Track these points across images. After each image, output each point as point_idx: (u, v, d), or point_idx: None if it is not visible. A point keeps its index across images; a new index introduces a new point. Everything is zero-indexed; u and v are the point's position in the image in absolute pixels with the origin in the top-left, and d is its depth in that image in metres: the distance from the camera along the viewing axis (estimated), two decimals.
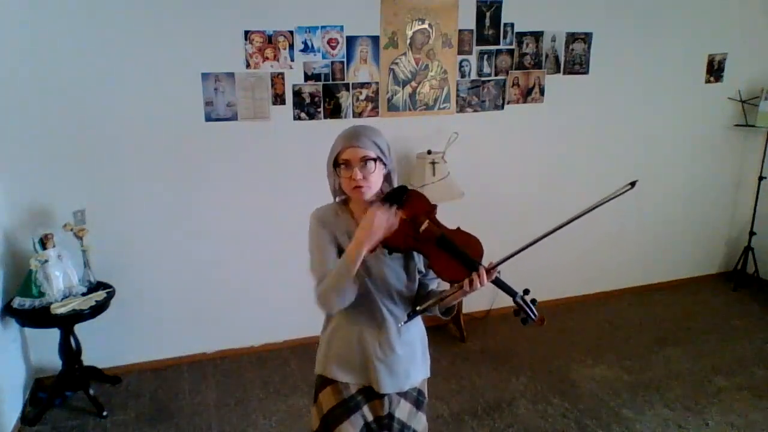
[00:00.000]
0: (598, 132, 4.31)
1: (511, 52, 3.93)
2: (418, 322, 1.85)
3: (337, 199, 1.77)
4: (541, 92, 4.08)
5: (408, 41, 3.69)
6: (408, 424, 1.82)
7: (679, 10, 4.26)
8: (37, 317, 2.95)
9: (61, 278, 3.05)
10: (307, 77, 3.53)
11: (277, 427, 3.05)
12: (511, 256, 1.60)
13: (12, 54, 3.00)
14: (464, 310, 4.00)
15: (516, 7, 3.83)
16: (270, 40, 3.41)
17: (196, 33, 3.29)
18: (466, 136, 3.80)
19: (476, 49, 3.84)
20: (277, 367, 3.63)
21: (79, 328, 3.17)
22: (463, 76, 3.87)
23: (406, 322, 1.70)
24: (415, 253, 1.71)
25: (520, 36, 3.92)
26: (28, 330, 3.23)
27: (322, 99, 3.58)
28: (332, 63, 3.55)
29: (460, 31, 3.78)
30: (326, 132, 3.52)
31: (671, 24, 4.27)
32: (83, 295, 3.11)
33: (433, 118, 3.86)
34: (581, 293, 4.59)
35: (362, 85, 3.65)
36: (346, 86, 3.61)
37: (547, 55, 4.02)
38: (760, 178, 4.61)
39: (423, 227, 1.62)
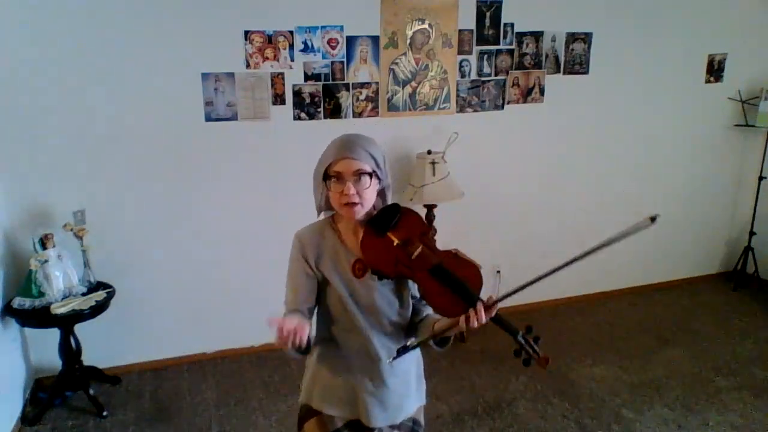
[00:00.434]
0: (598, 132, 4.31)
1: (511, 52, 3.93)
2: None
3: (323, 215, 1.61)
4: (541, 92, 4.08)
5: (408, 41, 3.69)
6: None
7: (679, 10, 4.26)
8: (37, 317, 2.95)
9: (61, 278, 3.05)
10: (307, 77, 3.53)
11: (277, 427, 3.05)
12: (515, 291, 1.41)
13: (12, 54, 3.00)
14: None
15: (516, 7, 3.83)
16: (270, 40, 3.41)
17: (196, 33, 3.29)
18: (466, 136, 3.80)
19: (476, 49, 3.84)
20: (277, 367, 3.63)
21: (79, 328, 3.17)
22: (463, 76, 3.87)
23: (395, 359, 1.52)
24: (416, 284, 1.56)
25: (520, 36, 3.92)
26: (28, 330, 3.23)
27: (322, 99, 3.58)
28: (332, 63, 3.55)
29: (460, 31, 3.78)
30: (326, 132, 3.52)
31: (671, 24, 4.27)
32: (83, 295, 3.11)
33: (433, 118, 3.86)
34: (581, 293, 4.59)
35: (362, 85, 3.65)
36: (346, 86, 3.61)
37: (547, 55, 4.02)
38: (760, 178, 4.61)
39: (416, 253, 1.47)
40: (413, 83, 3.77)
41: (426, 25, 3.70)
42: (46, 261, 3.00)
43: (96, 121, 3.21)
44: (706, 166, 4.74)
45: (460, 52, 3.82)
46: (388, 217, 1.50)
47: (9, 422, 2.95)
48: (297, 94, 3.54)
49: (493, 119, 4.01)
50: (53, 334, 3.11)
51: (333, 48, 3.54)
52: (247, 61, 3.40)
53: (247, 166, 3.53)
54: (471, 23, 3.79)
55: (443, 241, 3.92)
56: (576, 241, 4.38)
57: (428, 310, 1.62)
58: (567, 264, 1.46)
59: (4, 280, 3.07)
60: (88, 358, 3.30)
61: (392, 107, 3.76)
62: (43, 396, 3.18)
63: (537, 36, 3.96)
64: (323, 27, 3.49)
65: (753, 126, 4.53)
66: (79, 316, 2.99)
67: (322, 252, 1.56)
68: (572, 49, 4.07)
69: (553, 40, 4.00)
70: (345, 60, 3.57)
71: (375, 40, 3.61)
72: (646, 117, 4.41)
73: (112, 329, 3.40)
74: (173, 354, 3.66)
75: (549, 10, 3.94)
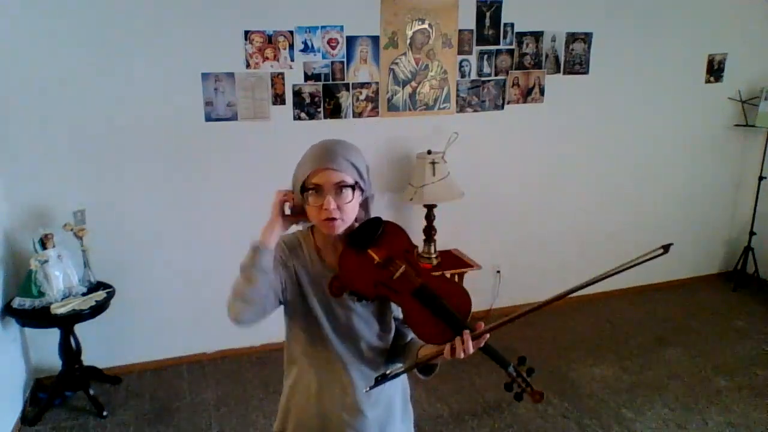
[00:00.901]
0: (598, 132, 4.31)
1: (511, 52, 3.93)
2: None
3: (302, 226, 1.46)
4: (541, 92, 4.08)
5: (408, 41, 3.69)
6: None
7: (679, 10, 4.26)
8: (37, 317, 2.95)
9: (61, 278, 3.05)
10: (307, 77, 3.53)
11: None
12: (507, 322, 1.30)
13: (11, 54, 3.00)
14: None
15: (516, 7, 3.83)
16: (270, 40, 3.41)
17: (196, 33, 3.29)
18: (466, 136, 3.79)
19: (476, 49, 3.84)
20: (277, 367, 3.60)
21: (79, 328, 3.17)
22: (463, 76, 3.87)
23: (372, 387, 1.37)
24: (398, 307, 1.42)
25: (520, 36, 3.92)
26: (28, 330, 3.23)
27: (322, 99, 3.58)
28: (332, 63, 3.55)
29: (460, 31, 3.78)
30: (326, 132, 3.52)
31: (671, 24, 4.27)
32: (83, 295, 3.11)
33: (433, 118, 3.86)
34: (581, 293, 4.57)
35: (362, 85, 3.65)
36: (346, 86, 3.61)
37: (547, 55, 4.02)
38: (760, 178, 4.61)
39: (398, 273, 1.33)
40: (413, 83, 3.77)
41: (426, 25, 3.70)
42: (46, 261, 2.99)
43: (96, 121, 3.21)
44: (706, 166, 4.74)
45: (460, 52, 3.82)
46: (369, 233, 1.36)
47: (9, 422, 2.95)
48: (297, 94, 3.54)
49: (493, 119, 4.01)
50: (53, 334, 3.11)
51: (333, 48, 3.54)
52: (247, 61, 3.40)
53: (247, 166, 3.53)
54: (471, 23, 3.79)
55: (443, 241, 3.95)
56: (576, 241, 4.39)
57: (412, 333, 1.45)
58: (569, 292, 1.35)
59: (4, 280, 3.07)
60: (88, 358, 3.30)
61: (392, 107, 3.76)
62: (43, 396, 3.18)
63: (537, 36, 3.96)
64: (323, 27, 3.49)
65: (753, 126, 4.53)
66: (79, 316, 2.99)
67: (298, 261, 1.41)
68: (572, 49, 4.07)
69: (553, 40, 4.00)
70: (345, 60, 3.57)
71: (375, 40, 3.61)
72: (646, 117, 4.41)
73: (112, 329, 3.40)
74: (173, 354, 3.66)
75: (549, 10, 3.94)
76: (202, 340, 3.70)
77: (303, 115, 3.57)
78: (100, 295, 3.14)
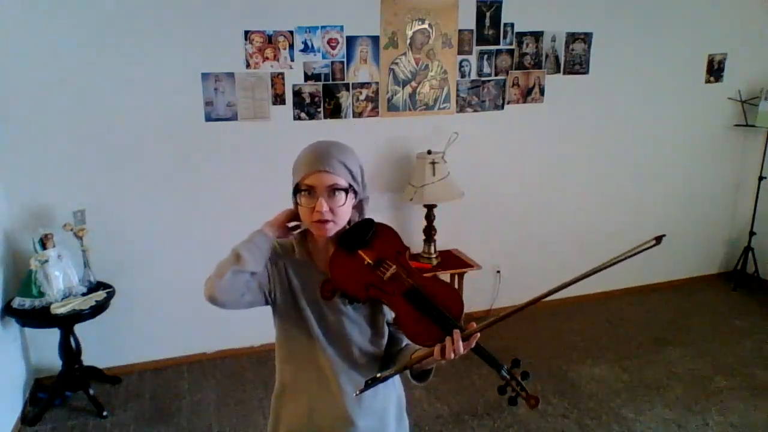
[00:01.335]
0: (598, 132, 4.31)
1: (511, 52, 3.93)
2: (392, 382, 1.49)
3: (295, 232, 1.45)
4: (541, 92, 4.08)
5: (408, 41, 3.69)
6: None
7: (679, 10, 4.26)
8: (37, 317, 2.95)
9: (61, 278, 3.05)
10: (307, 77, 3.53)
11: None
12: (497, 321, 1.26)
13: (11, 54, 3.00)
14: (464, 311, 4.00)
15: (516, 7, 3.84)
16: (270, 40, 3.41)
17: (196, 33, 3.29)
18: (466, 136, 3.79)
19: (476, 49, 3.84)
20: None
21: (79, 328, 3.17)
22: (463, 76, 3.87)
23: (362, 392, 1.34)
24: (389, 309, 1.40)
25: (520, 36, 3.92)
26: (28, 330, 3.23)
27: (322, 99, 3.58)
28: (332, 63, 3.55)
29: (460, 31, 3.78)
30: (326, 132, 3.55)
31: (671, 24, 4.27)
32: (83, 295, 3.11)
33: (433, 118, 3.86)
34: (581, 293, 4.59)
35: (362, 85, 3.65)
36: (346, 86, 3.61)
37: (547, 55, 4.02)
38: (760, 178, 4.61)
39: (389, 274, 1.33)
40: (413, 83, 3.77)
41: (426, 25, 3.70)
42: (46, 261, 2.99)
43: (96, 121, 3.21)
44: (706, 166, 4.74)
45: (460, 52, 3.82)
46: (360, 234, 1.35)
47: (9, 422, 2.95)
48: (297, 94, 3.54)
49: (493, 119, 4.01)
50: (53, 334, 3.11)
51: (333, 48, 3.54)
52: (247, 61, 3.40)
53: (247, 166, 3.53)
54: (471, 23, 3.79)
55: (443, 241, 3.95)
56: (576, 241, 4.38)
57: (407, 340, 1.44)
58: (563, 286, 1.32)
59: (4, 280, 3.07)
60: (88, 358, 3.30)
61: (392, 107, 3.76)
62: (43, 396, 3.18)
63: (537, 36, 3.96)
64: (323, 27, 3.49)
65: (753, 126, 4.53)
66: (79, 316, 2.99)
67: (290, 267, 1.40)
68: (572, 49, 4.07)
69: (553, 40, 4.00)
70: (345, 60, 3.57)
71: (375, 40, 3.61)
72: (646, 117, 4.41)
73: (112, 329, 3.40)
74: (173, 354, 3.66)
75: (549, 10, 3.94)
76: (202, 340, 3.70)
77: (303, 115, 3.57)
78: (100, 295, 3.14)
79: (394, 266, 1.34)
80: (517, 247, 4.25)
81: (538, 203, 4.25)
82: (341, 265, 1.34)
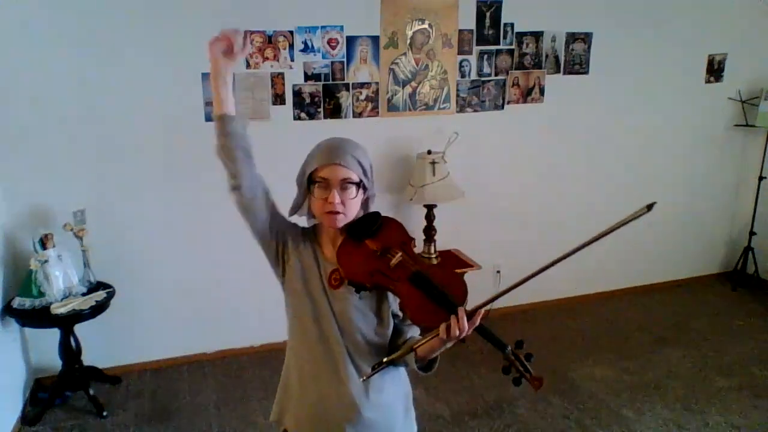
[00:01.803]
0: (598, 132, 4.31)
1: (511, 52, 3.93)
2: (399, 380, 1.55)
3: (308, 222, 1.53)
4: (541, 92, 4.08)
5: (408, 41, 3.69)
6: None
7: (679, 10, 4.26)
8: (37, 317, 2.95)
9: (61, 278, 3.05)
10: (307, 77, 3.53)
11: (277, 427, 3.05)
12: (498, 296, 1.32)
13: (11, 54, 3.00)
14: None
15: (516, 7, 3.83)
16: (270, 40, 3.41)
17: (196, 33, 3.27)
18: (466, 136, 3.79)
19: (476, 49, 3.84)
20: (277, 367, 3.59)
21: (79, 328, 3.17)
22: (463, 76, 3.87)
23: (369, 377, 1.39)
24: (390, 295, 1.44)
25: (520, 36, 3.92)
26: (28, 330, 3.23)
27: (322, 99, 3.58)
28: (332, 63, 3.55)
29: (460, 31, 3.78)
30: (326, 132, 3.52)
31: (671, 24, 4.27)
32: (83, 295, 3.11)
33: (433, 118, 3.86)
34: (581, 293, 4.59)
35: (362, 85, 3.65)
36: (346, 86, 3.61)
37: (547, 55, 4.02)
38: (760, 178, 4.61)
39: (394, 261, 1.38)
40: (413, 83, 3.77)
41: (426, 25, 3.70)
42: (46, 261, 3.00)
43: (96, 121, 3.21)
44: (706, 166, 4.74)
45: (460, 52, 3.82)
46: (367, 225, 1.42)
47: (9, 422, 2.95)
48: (297, 94, 3.54)
49: (493, 119, 4.01)
50: (53, 334, 3.11)
51: (333, 48, 3.54)
52: (247, 61, 3.40)
53: None
54: (471, 23, 3.79)
55: (443, 241, 3.95)
56: (576, 241, 4.37)
57: (412, 332, 1.50)
58: (563, 258, 1.35)
59: (4, 280, 3.07)
60: (88, 358, 3.30)
61: (392, 107, 3.76)
62: (43, 396, 3.18)
63: (537, 36, 3.96)
64: (323, 27, 3.49)
65: (753, 126, 4.53)
66: (79, 316, 2.99)
67: (302, 254, 1.46)
68: (572, 49, 4.07)
69: (553, 40, 4.00)
70: (345, 60, 3.57)
71: (375, 40, 3.61)
72: (646, 117, 4.41)
73: (112, 329, 3.40)
74: (173, 354, 3.66)
75: (549, 10, 3.94)
76: (202, 340, 3.70)
77: (303, 115, 3.57)
78: (100, 295, 3.14)
79: (400, 253, 1.39)
80: (517, 247, 4.25)
81: (538, 203, 4.25)
82: (348, 254, 1.40)
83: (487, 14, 3.81)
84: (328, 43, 3.52)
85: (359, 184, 1.39)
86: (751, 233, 4.65)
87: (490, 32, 3.85)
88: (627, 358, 3.71)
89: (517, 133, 4.10)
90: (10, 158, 3.10)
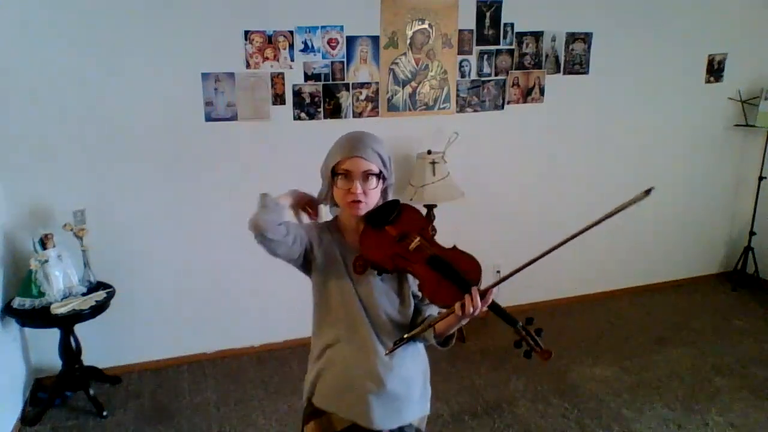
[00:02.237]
0: (598, 132, 4.31)
1: (511, 52, 3.93)
2: (418, 356, 1.69)
3: (331, 212, 1.66)
4: (541, 92, 4.08)
5: (408, 41, 3.69)
6: None
7: (679, 10, 4.26)
8: (37, 317, 2.95)
9: (61, 278, 3.05)
10: (307, 77, 3.53)
11: (277, 427, 3.05)
12: (509, 276, 1.40)
13: (11, 54, 3.00)
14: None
15: (516, 7, 3.83)
16: (270, 40, 3.41)
17: (196, 33, 3.29)
18: (466, 136, 3.79)
19: (476, 49, 3.84)
20: (277, 367, 3.63)
21: (79, 328, 3.17)
22: (463, 76, 3.87)
23: (392, 351, 1.53)
24: (410, 276, 1.55)
25: (520, 36, 3.92)
26: (28, 330, 3.23)
27: (322, 99, 3.58)
28: (332, 63, 3.55)
29: (460, 31, 3.78)
30: (326, 132, 3.51)
31: (671, 24, 4.27)
32: (83, 295, 3.11)
33: (433, 118, 3.86)
34: (581, 293, 4.59)
35: (362, 85, 3.65)
36: (346, 86, 3.61)
37: (547, 55, 4.02)
38: (760, 178, 4.61)
39: (413, 245, 1.49)
40: (413, 83, 3.77)
41: (426, 25, 3.70)
42: (46, 261, 2.99)
43: (96, 121, 3.21)
44: (706, 166, 4.74)
45: (460, 52, 3.82)
46: (386, 213, 1.53)
47: (9, 422, 2.95)
48: (297, 94, 3.54)
49: (493, 119, 4.01)
50: (53, 334, 3.10)
51: (333, 48, 3.54)
52: (247, 61, 3.40)
53: (247, 166, 3.53)
54: (471, 23, 3.79)
55: (443, 241, 3.93)
56: (576, 241, 4.38)
57: (430, 310, 1.61)
58: (564, 242, 1.48)
59: (4, 280, 3.07)
60: (88, 358, 3.30)
61: (392, 107, 3.76)
62: (43, 396, 3.18)
63: (537, 36, 3.96)
64: (323, 27, 3.49)
65: (753, 126, 4.53)
66: (79, 316, 2.99)
67: (325, 246, 1.57)
68: (572, 49, 4.07)
69: (553, 40, 4.00)
70: (345, 60, 3.57)
71: (375, 40, 3.61)
72: (646, 117, 4.41)
73: (112, 329, 3.40)
74: (173, 354, 3.66)
75: (549, 10, 3.94)
76: (202, 340, 3.70)
77: (303, 115, 3.57)
78: (100, 295, 3.14)
79: (418, 238, 1.50)
80: (517, 247, 4.23)
81: (538, 203, 4.25)
82: (370, 240, 1.52)
83: (487, 14, 3.81)
84: (328, 43, 3.52)
85: (379, 175, 1.50)
86: (751, 233, 4.65)
87: (490, 32, 3.85)
88: (627, 358, 3.71)
89: (517, 133, 4.10)
90: (11, 158, 3.10)
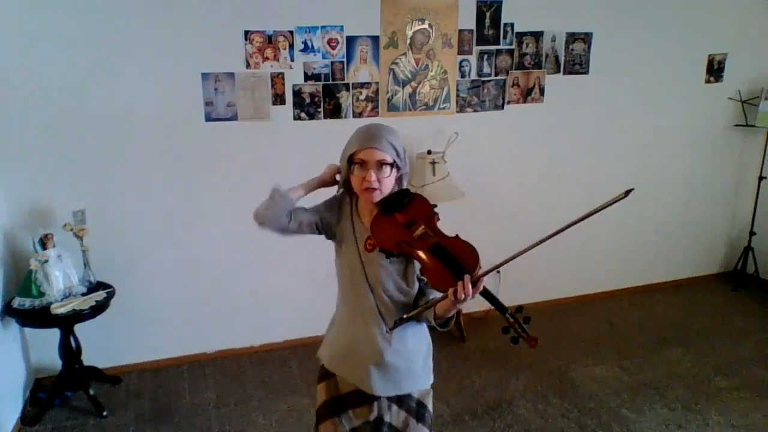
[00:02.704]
0: (598, 132, 4.31)
1: (511, 52, 3.93)
2: (420, 334, 1.79)
3: (338, 192, 1.78)
4: (541, 92, 4.08)
5: (408, 41, 3.69)
6: None
7: (679, 10, 4.26)
8: (37, 317, 2.95)
9: (61, 278, 3.05)
10: (307, 77, 3.53)
11: (277, 427, 3.05)
12: (499, 266, 1.53)
13: (11, 54, 3.00)
14: (464, 311, 4.00)
15: (516, 7, 3.83)
16: (270, 40, 3.41)
17: (196, 33, 3.29)
18: (466, 136, 3.80)
19: (476, 49, 3.84)
20: (277, 367, 3.62)
21: (79, 328, 3.17)
22: (463, 76, 3.87)
23: (392, 329, 1.65)
24: (417, 261, 1.66)
25: (520, 36, 3.92)
26: (28, 330, 3.23)
27: (322, 99, 3.58)
28: (332, 63, 3.55)
29: (460, 31, 3.78)
30: (326, 132, 3.56)
31: (671, 24, 4.27)
32: (83, 295, 3.11)
33: (433, 118, 3.86)
34: (581, 293, 4.59)
35: (362, 85, 3.65)
36: (346, 86, 3.61)
37: (547, 55, 4.02)
38: (760, 178, 4.61)
39: (418, 232, 1.60)
40: (413, 83, 3.77)
41: (426, 25, 3.70)
42: (46, 261, 2.99)
43: (96, 121, 3.21)
44: (706, 166, 4.74)
45: (460, 52, 3.82)
46: (397, 201, 1.64)
47: (9, 422, 2.95)
48: (297, 94, 3.54)
49: (493, 119, 4.01)
50: (53, 334, 3.10)
51: (333, 48, 3.54)
52: (247, 61, 3.40)
53: (247, 166, 3.53)
54: (471, 23, 3.79)
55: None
56: (576, 240, 4.38)
57: (434, 294, 1.69)
58: (550, 236, 1.59)
59: (4, 280, 3.07)
60: (88, 358, 3.30)
61: (392, 107, 3.76)
62: (43, 396, 3.18)
63: (537, 36, 3.96)
64: (323, 27, 3.49)
65: (753, 126, 4.54)
66: (79, 316, 2.99)
67: (339, 220, 1.72)
68: (572, 49, 4.07)
69: (553, 40, 4.00)
70: (345, 60, 3.57)
71: (375, 40, 3.61)
72: (646, 117, 4.41)
73: (112, 329, 3.40)
74: (173, 354, 3.66)
75: (549, 10, 3.94)
76: (202, 340, 3.70)
77: (303, 115, 3.57)
78: (100, 295, 3.14)
79: (423, 226, 1.61)
80: (517, 247, 4.22)
81: (538, 203, 4.25)
82: (380, 224, 1.63)
83: (487, 14, 3.81)
84: (328, 43, 3.52)
85: (393, 165, 1.61)
86: (751, 233, 4.66)
87: (490, 32, 3.85)
88: (627, 358, 3.71)
89: (517, 133, 4.10)
90: (11, 158, 3.10)
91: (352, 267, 1.69)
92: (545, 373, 3.53)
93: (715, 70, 4.53)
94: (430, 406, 1.83)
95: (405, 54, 3.70)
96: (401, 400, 1.77)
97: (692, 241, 4.85)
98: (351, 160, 1.62)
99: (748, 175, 4.80)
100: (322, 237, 1.78)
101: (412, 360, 1.76)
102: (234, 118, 3.45)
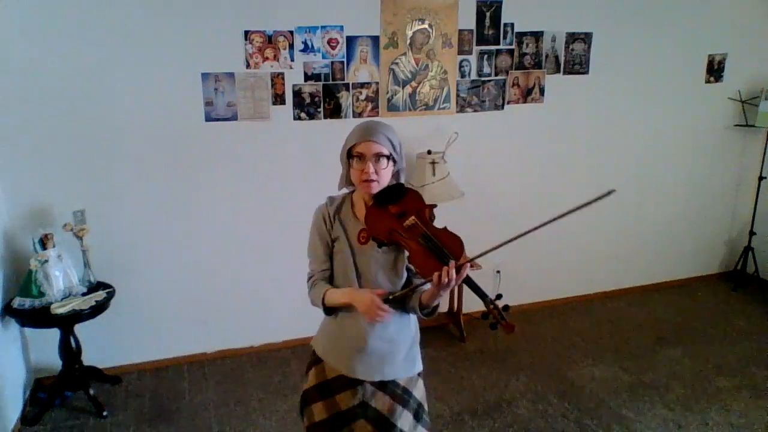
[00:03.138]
0: (597, 132, 4.31)
1: (511, 52, 3.93)
2: (407, 323, 1.86)
3: (346, 190, 1.85)
4: (541, 92, 4.08)
5: (408, 41, 3.69)
6: (389, 419, 1.79)
7: (679, 10, 4.26)
8: (37, 317, 2.95)
9: (61, 278, 3.05)
10: (307, 77, 3.53)
11: (277, 427, 3.05)
12: (481, 255, 1.64)
13: (11, 53, 3.00)
14: (464, 310, 4.00)
15: (516, 7, 3.83)
16: (270, 40, 3.41)
17: (196, 33, 3.29)
18: (466, 136, 3.80)
19: (476, 49, 3.84)
20: (277, 367, 3.62)
21: (79, 328, 3.17)
22: (463, 76, 3.87)
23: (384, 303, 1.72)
24: (405, 251, 1.75)
25: (520, 36, 3.92)
26: (28, 330, 3.23)
27: (322, 99, 3.58)
28: (332, 63, 3.55)
29: (460, 31, 3.78)
30: (326, 132, 3.56)
31: (671, 24, 4.27)
32: (83, 295, 3.11)
33: (433, 118, 3.86)
34: (581, 293, 4.59)
35: (362, 85, 3.64)
36: (346, 86, 3.61)
37: (547, 55, 4.02)
38: (760, 178, 4.61)
39: (408, 222, 1.70)
40: (413, 83, 3.77)
41: (426, 25, 3.70)
42: (46, 261, 2.99)
43: (96, 121, 3.21)
44: (706, 166, 4.74)
45: (460, 52, 3.82)
46: (392, 194, 1.73)
47: (9, 422, 2.95)
48: (297, 94, 3.54)
49: (493, 119, 4.01)
50: (53, 334, 3.10)
51: (333, 48, 3.54)
52: (247, 61, 3.40)
53: (247, 166, 3.53)
54: (471, 23, 3.79)
55: None
56: (576, 241, 4.38)
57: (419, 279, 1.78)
58: (534, 229, 1.70)
59: (4, 280, 3.07)
60: (88, 358, 3.30)
61: (392, 107, 3.76)
62: (43, 396, 3.18)
63: (537, 36, 3.96)
64: (323, 27, 3.49)
65: (753, 126, 4.53)
66: (79, 316, 2.99)
67: (333, 224, 1.79)
68: (572, 49, 4.07)
69: (553, 40, 4.00)
70: (345, 60, 3.57)
71: (375, 40, 3.61)
72: (646, 117, 4.41)
73: (112, 329, 3.40)
74: (173, 354, 3.66)
75: (549, 10, 3.94)
76: (202, 340, 3.70)
77: (303, 115, 3.57)
78: (100, 295, 3.14)
79: (413, 217, 1.71)
80: (516, 247, 4.23)
81: (537, 203, 4.25)
82: (373, 215, 1.73)
83: (487, 14, 3.81)
84: (328, 43, 3.52)
85: (389, 157, 1.70)
86: (751, 233, 4.66)
87: (490, 32, 3.85)
88: (627, 358, 3.71)
89: (517, 133, 4.10)
90: (11, 158, 3.10)
91: (343, 259, 1.77)
92: (545, 373, 3.53)
93: (715, 70, 4.53)
94: (418, 396, 1.88)
95: (405, 54, 3.70)
96: (385, 386, 1.82)
97: (692, 241, 4.85)
98: (350, 154, 1.71)
99: (748, 175, 4.80)
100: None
101: (395, 346, 1.82)
102: (234, 118, 3.45)
